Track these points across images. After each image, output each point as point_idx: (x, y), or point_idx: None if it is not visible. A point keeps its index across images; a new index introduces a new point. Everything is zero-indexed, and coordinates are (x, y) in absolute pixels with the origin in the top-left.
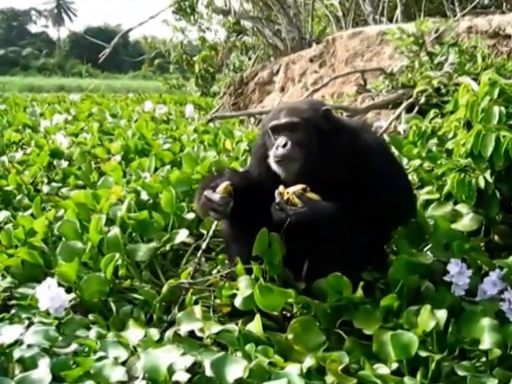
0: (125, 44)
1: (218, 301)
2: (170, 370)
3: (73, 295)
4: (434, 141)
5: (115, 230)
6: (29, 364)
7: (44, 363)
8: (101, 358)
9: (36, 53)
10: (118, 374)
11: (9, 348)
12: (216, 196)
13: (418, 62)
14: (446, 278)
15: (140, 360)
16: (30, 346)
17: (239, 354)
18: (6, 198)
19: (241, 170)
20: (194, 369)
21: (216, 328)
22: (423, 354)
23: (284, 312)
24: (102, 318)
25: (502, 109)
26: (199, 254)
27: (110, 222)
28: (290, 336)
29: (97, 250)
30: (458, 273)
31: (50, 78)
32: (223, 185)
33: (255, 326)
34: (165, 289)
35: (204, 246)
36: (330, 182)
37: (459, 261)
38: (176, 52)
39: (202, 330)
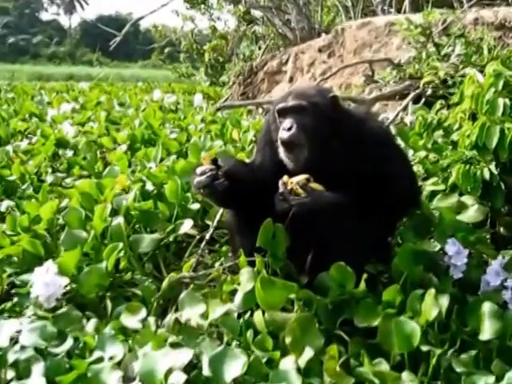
0: (135, 33)
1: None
2: (167, 374)
3: (68, 286)
4: (440, 132)
5: (119, 220)
6: (22, 369)
7: (38, 369)
8: (97, 360)
9: (46, 41)
10: (115, 378)
11: (2, 350)
12: (202, 167)
13: (426, 53)
14: (445, 260)
15: (137, 361)
16: (24, 348)
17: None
18: (9, 188)
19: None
20: (192, 362)
21: (219, 310)
22: (425, 348)
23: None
24: (97, 316)
25: (507, 100)
26: (202, 245)
27: (114, 212)
28: (288, 339)
29: (100, 239)
30: (455, 252)
31: (60, 66)
32: (203, 155)
33: (256, 318)
34: (165, 284)
35: (208, 237)
36: (334, 171)
37: (456, 240)
38: (186, 41)
39: (204, 315)
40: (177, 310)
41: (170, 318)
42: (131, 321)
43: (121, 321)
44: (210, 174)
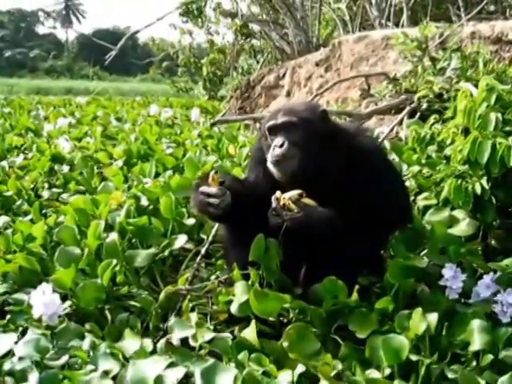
0: (134, 46)
1: (214, 307)
2: (158, 382)
3: (68, 303)
4: (434, 147)
5: (113, 236)
6: (19, 378)
7: (33, 378)
8: (90, 372)
9: (44, 55)
10: None
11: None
12: (212, 189)
13: (421, 67)
14: (441, 283)
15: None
16: (21, 359)
17: (233, 363)
18: (5, 204)
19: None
20: (187, 381)
21: (209, 335)
22: (414, 357)
23: (281, 318)
24: (98, 327)
25: (499, 115)
26: (198, 259)
27: (110, 227)
28: (285, 344)
29: (94, 256)
30: (452, 277)
31: (58, 80)
32: (210, 176)
33: (250, 332)
34: (162, 295)
35: (203, 251)
36: (326, 186)
37: (454, 265)
38: (184, 55)
39: (194, 337)
40: (177, 316)
41: (162, 341)
42: (129, 344)
43: (118, 344)
44: (223, 200)
